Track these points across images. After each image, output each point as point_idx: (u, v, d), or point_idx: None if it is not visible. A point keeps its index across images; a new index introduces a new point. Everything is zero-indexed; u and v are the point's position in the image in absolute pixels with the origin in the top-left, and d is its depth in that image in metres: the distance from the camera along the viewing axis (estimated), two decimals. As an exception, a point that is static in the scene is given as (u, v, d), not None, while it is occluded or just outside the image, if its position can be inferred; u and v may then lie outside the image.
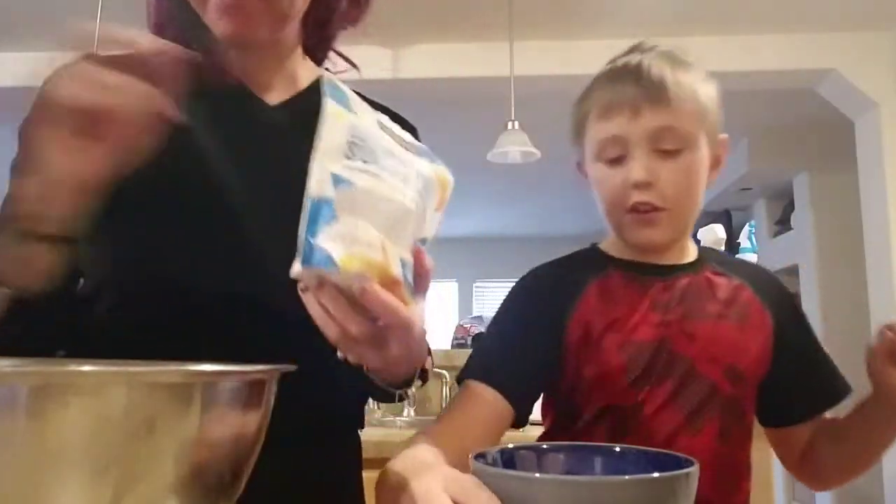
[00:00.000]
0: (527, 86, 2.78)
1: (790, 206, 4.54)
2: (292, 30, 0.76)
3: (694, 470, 0.47)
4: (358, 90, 0.91)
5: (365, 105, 0.60)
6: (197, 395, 0.42)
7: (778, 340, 0.85)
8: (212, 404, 0.43)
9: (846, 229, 3.88)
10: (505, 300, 0.88)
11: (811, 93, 3.28)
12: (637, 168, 0.79)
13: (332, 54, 0.86)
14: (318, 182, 0.50)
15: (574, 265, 0.88)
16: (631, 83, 0.80)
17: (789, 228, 4.54)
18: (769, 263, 4.55)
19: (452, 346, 3.17)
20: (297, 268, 0.49)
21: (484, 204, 6.02)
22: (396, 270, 0.52)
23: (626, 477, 0.45)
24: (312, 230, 0.49)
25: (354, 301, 0.51)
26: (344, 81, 0.63)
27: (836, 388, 0.88)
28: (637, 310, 0.82)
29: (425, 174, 0.58)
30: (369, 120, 0.58)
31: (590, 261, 0.88)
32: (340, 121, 0.54)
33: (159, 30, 0.73)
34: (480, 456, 0.51)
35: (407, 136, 0.62)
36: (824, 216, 4.17)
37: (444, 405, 2.34)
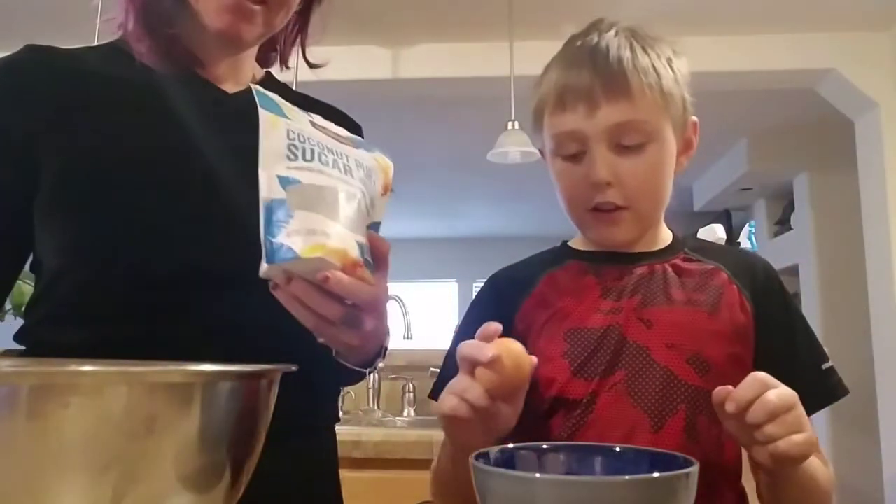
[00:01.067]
0: (527, 86, 2.76)
1: (790, 206, 4.54)
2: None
3: (694, 470, 0.47)
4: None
5: (295, 109, 0.62)
6: (197, 395, 0.43)
7: (760, 329, 0.78)
8: (212, 404, 0.44)
9: (846, 229, 3.88)
10: (468, 308, 0.88)
11: (811, 93, 3.28)
12: (596, 168, 0.74)
13: (294, 52, 0.90)
14: (267, 186, 0.54)
15: (533, 263, 0.86)
16: (587, 69, 0.75)
17: (789, 228, 4.54)
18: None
19: (452, 346, 3.17)
20: (264, 267, 0.53)
21: (484, 204, 6.02)
22: (354, 253, 0.56)
23: (626, 477, 0.45)
24: (271, 231, 0.53)
25: (323, 289, 0.55)
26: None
27: (825, 388, 0.78)
28: (585, 298, 0.79)
29: (365, 163, 0.63)
30: (303, 121, 0.61)
31: (551, 257, 0.86)
32: (276, 127, 0.57)
33: (143, 4, 0.74)
34: (481, 456, 0.51)
35: (341, 131, 0.65)
36: (824, 216, 4.17)
37: (444, 405, 2.34)
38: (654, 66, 0.75)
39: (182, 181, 0.71)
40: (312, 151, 0.58)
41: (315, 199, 0.55)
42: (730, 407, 0.60)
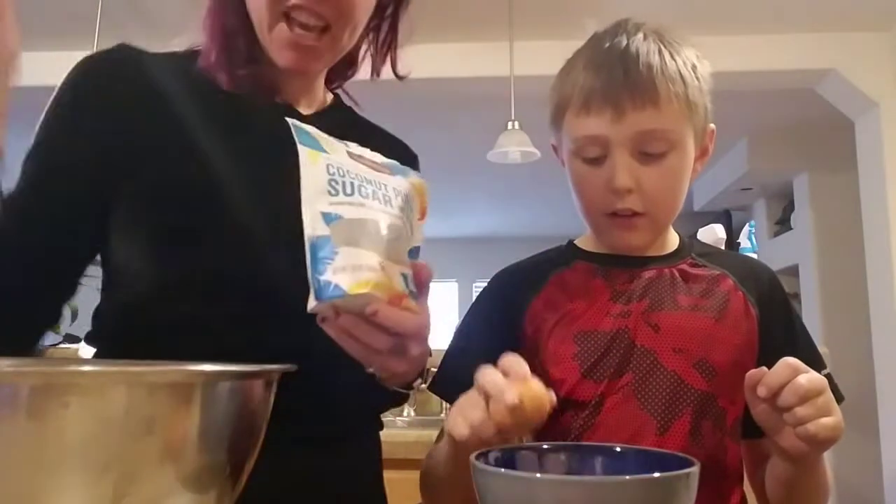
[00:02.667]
0: (527, 86, 2.77)
1: (790, 206, 4.55)
2: None
3: (694, 470, 0.47)
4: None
5: (332, 140, 0.63)
6: (197, 394, 0.43)
7: (763, 335, 0.79)
8: (211, 404, 0.44)
9: (846, 229, 3.88)
10: (471, 304, 0.87)
11: (811, 93, 3.28)
12: (618, 175, 0.74)
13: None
14: (311, 223, 0.56)
15: (540, 261, 0.86)
16: (616, 74, 0.74)
17: (789, 228, 4.55)
18: (769, 263, 4.49)
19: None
20: (312, 304, 0.55)
21: (484, 204, 6.02)
22: (400, 285, 0.58)
23: (627, 477, 0.45)
24: (317, 268, 0.54)
25: (370, 321, 0.57)
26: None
27: None
28: (596, 301, 0.79)
29: (403, 190, 0.64)
30: (340, 152, 0.62)
31: (559, 256, 0.86)
32: (316, 162, 0.58)
33: (221, 38, 0.75)
34: (481, 456, 0.51)
35: (377, 157, 0.66)
36: (824, 216, 4.17)
37: (443, 405, 2.34)
38: (681, 74, 0.75)
39: (272, 215, 0.70)
40: (352, 184, 0.59)
41: (358, 233, 0.57)
42: (761, 391, 0.62)
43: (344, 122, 0.82)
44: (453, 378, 0.75)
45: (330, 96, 0.88)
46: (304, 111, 0.81)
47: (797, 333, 0.83)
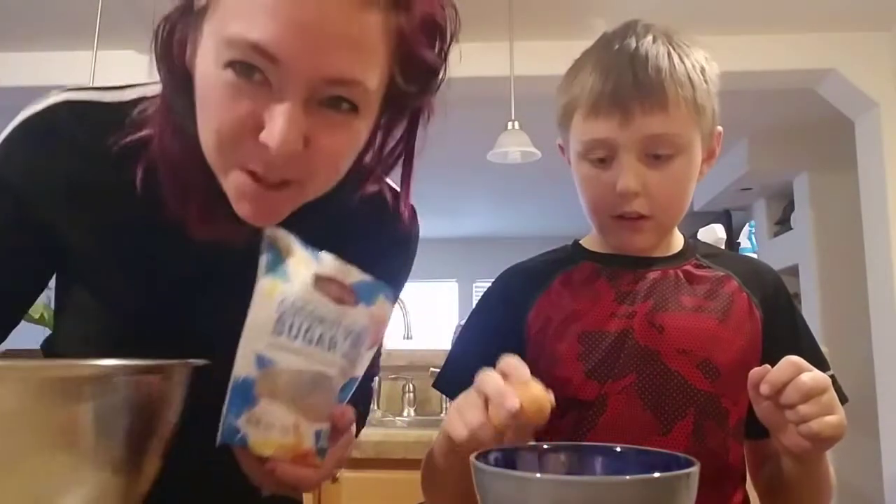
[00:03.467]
0: (527, 86, 2.77)
1: (790, 206, 4.55)
2: None
3: (695, 470, 0.47)
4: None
5: (306, 255, 0.57)
6: (86, 389, 0.45)
7: (767, 337, 0.80)
8: (102, 399, 0.46)
9: (846, 229, 3.88)
10: (477, 302, 0.87)
11: (811, 93, 3.28)
12: (626, 178, 0.74)
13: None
14: (243, 361, 0.54)
15: (546, 260, 0.86)
16: (625, 77, 0.74)
17: (789, 228, 4.54)
18: (769, 263, 4.54)
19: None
20: (219, 440, 0.54)
21: (484, 204, 6.02)
22: (308, 445, 0.57)
23: (627, 477, 0.45)
24: (232, 410, 0.54)
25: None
26: None
27: None
28: (601, 301, 0.79)
29: (358, 328, 0.59)
30: (304, 281, 0.56)
31: (564, 256, 0.86)
32: (272, 295, 0.55)
33: (165, 151, 0.62)
34: (481, 456, 0.51)
35: (350, 276, 0.58)
36: (824, 216, 4.17)
37: (443, 405, 2.34)
38: (690, 78, 0.75)
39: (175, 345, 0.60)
40: (300, 327, 0.55)
41: (285, 386, 0.55)
42: (764, 388, 0.62)
43: (338, 210, 0.68)
44: (456, 376, 0.75)
45: None
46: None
47: (801, 335, 0.83)
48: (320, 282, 0.57)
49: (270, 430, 0.55)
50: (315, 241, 0.59)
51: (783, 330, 0.81)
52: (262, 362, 0.54)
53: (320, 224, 0.63)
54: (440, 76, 0.64)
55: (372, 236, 0.73)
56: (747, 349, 0.78)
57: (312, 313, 0.56)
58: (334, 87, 0.54)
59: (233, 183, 0.58)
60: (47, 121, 0.65)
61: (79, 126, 0.64)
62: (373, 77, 0.55)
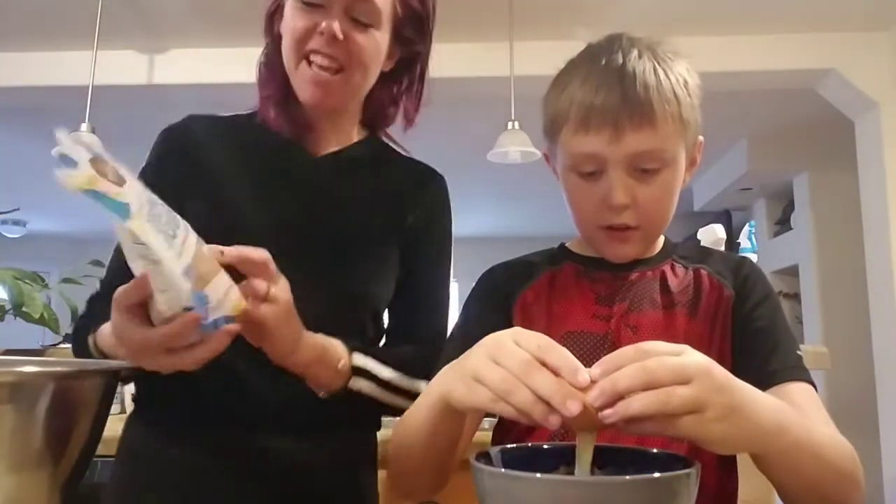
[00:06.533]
0: (527, 86, 2.76)
1: (790, 206, 4.55)
2: (354, 104, 0.98)
3: (695, 470, 0.47)
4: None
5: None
6: (3, 393, 0.51)
7: (736, 312, 0.80)
8: (22, 401, 0.52)
9: (846, 229, 3.88)
10: (465, 300, 0.89)
11: (811, 93, 3.28)
12: (616, 192, 0.76)
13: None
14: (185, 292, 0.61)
15: (532, 259, 0.89)
16: (614, 93, 0.75)
17: (789, 228, 4.55)
18: (769, 263, 4.55)
19: (452, 346, 3.16)
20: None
21: (484, 204, 6.02)
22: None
23: (627, 477, 0.45)
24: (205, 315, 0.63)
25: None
26: None
27: (801, 366, 0.75)
28: (581, 303, 0.81)
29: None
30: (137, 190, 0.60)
31: (550, 257, 0.89)
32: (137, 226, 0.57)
33: (271, 88, 0.94)
34: (481, 456, 0.51)
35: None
36: (824, 216, 4.17)
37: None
38: (675, 94, 0.76)
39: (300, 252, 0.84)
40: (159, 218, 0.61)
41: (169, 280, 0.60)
42: (595, 372, 0.55)
43: (362, 155, 0.98)
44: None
45: (361, 135, 1.01)
46: (333, 148, 0.97)
47: (776, 317, 0.81)
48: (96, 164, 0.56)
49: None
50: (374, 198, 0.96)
51: (756, 310, 0.80)
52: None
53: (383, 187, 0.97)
54: (429, 25, 0.97)
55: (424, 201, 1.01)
56: (718, 341, 0.78)
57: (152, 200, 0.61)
58: (359, 3, 0.87)
59: (301, 74, 0.88)
60: (172, 126, 0.96)
61: (191, 128, 0.96)
62: (385, 5, 0.89)
